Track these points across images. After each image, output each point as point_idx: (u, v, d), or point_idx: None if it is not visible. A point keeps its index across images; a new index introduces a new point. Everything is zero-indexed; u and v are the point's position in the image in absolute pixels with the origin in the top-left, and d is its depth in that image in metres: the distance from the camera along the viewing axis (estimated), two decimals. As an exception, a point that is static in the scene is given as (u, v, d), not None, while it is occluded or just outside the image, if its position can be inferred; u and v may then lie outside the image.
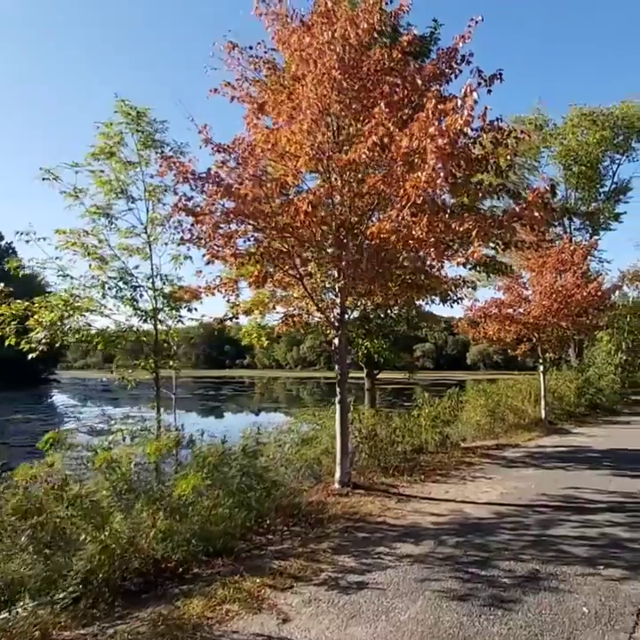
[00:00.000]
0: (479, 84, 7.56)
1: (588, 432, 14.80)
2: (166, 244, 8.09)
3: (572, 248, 16.31)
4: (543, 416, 15.88)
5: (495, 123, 7.65)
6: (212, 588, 4.32)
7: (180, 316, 8.21)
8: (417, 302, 10.01)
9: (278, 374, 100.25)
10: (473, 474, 9.00)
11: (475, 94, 5.89)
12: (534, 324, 15.54)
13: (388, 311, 11.78)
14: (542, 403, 16.02)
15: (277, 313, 8.55)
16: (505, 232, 5.90)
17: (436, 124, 5.74)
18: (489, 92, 7.62)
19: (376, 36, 7.55)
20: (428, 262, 6.09)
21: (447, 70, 7.48)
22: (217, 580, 4.47)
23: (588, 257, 18.37)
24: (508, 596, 4.18)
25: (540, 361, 16.43)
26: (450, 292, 9.34)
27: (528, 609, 3.97)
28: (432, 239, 5.60)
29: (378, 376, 13.58)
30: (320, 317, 7.95)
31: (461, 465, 9.78)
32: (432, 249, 5.57)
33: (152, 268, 8.06)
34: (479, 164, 7.33)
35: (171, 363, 8.20)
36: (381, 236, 5.87)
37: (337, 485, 7.47)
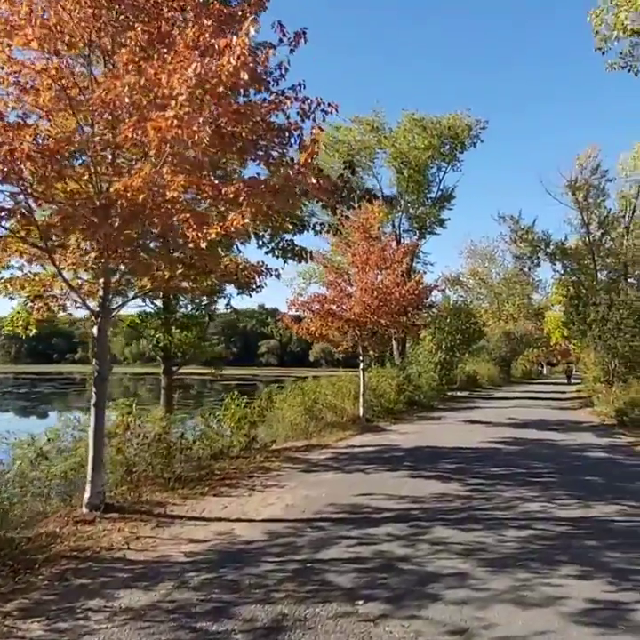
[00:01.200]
0: (280, 40, 6.68)
1: (402, 429, 14.95)
2: None
3: (394, 246, 16.45)
4: (361, 414, 15.77)
5: (297, 87, 6.84)
6: None
7: None
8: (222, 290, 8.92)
9: (114, 370, 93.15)
10: (267, 482, 8.09)
11: (252, 30, 4.88)
12: (355, 321, 15.36)
13: (196, 300, 10.51)
14: (361, 400, 15.91)
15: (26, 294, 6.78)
16: (283, 201, 4.97)
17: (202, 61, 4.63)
18: (291, 51, 6.79)
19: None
20: (191, 235, 4.90)
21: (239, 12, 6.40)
22: None
23: (411, 257, 18.94)
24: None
25: (361, 358, 16.34)
26: (254, 279, 8.37)
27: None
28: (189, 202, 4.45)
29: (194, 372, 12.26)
30: (77, 302, 6.40)
31: (258, 471, 8.85)
32: (188, 215, 4.42)
33: None
34: (279, 134, 6.42)
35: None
36: (128, 195, 4.58)
37: (85, 509, 5.99)
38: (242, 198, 4.49)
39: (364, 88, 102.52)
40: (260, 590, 4.21)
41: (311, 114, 7.14)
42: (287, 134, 6.59)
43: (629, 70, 11.40)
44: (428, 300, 18.24)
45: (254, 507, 6.68)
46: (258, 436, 11.53)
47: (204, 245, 4.54)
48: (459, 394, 29.78)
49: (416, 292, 15.59)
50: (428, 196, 25.40)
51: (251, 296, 9.53)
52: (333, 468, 9.25)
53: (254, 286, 8.58)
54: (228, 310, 10.98)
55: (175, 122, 4.13)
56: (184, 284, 6.80)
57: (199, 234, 4.29)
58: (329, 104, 7.21)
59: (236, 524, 5.96)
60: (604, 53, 11.38)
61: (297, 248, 7.50)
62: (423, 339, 28.29)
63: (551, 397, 28.71)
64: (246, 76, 4.78)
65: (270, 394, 12.54)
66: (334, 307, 15.57)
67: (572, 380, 42.91)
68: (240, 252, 9.85)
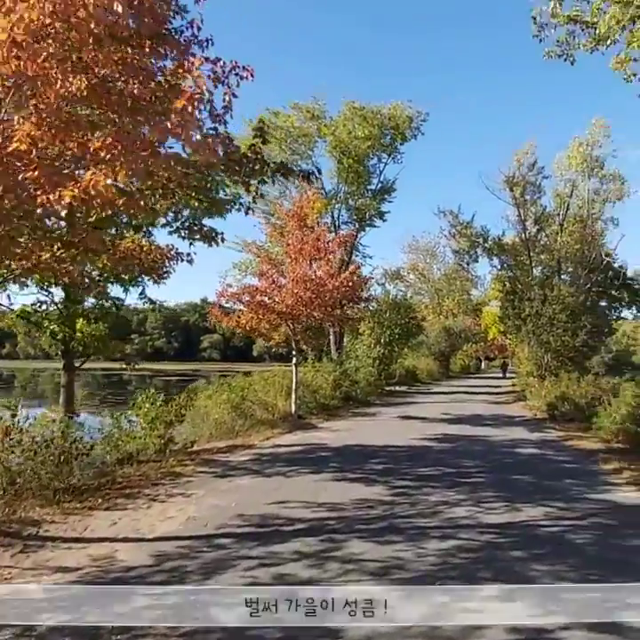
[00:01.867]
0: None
1: (334, 426, 14.38)
2: None
3: (328, 236, 15.83)
4: (293, 411, 15.10)
5: (205, 43, 6.10)
6: None
7: None
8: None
9: (46, 365, 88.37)
10: (173, 490, 7.26)
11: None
12: (288, 314, 14.66)
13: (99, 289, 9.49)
14: (293, 396, 15.23)
15: None
16: (165, 163, 4.15)
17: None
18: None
19: None
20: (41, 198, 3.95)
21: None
22: None
23: (350, 249, 18.45)
24: None
25: (294, 353, 15.67)
26: (161, 264, 7.48)
27: None
28: (39, 154, 3.57)
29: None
30: None
31: (167, 477, 7.99)
32: (35, 172, 3.53)
33: None
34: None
35: None
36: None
37: None
38: (110, 156, 3.65)
39: (308, 78, 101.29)
40: (123, 637, 3.42)
41: (225, 78, 6.41)
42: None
43: (566, 59, 11.19)
44: (366, 293, 17.74)
45: (150, 522, 5.85)
46: (175, 437, 10.66)
47: (63, 213, 3.68)
48: (397, 389, 29.67)
49: (350, 283, 15.03)
50: (369, 187, 24.99)
51: (160, 284, 8.56)
52: (252, 472, 8.50)
53: (162, 272, 7.71)
54: (143, 301, 9.98)
55: (14, 50, 3.24)
56: (69, 267, 5.82)
57: (50, 196, 3.43)
58: (245, 68, 6.46)
59: (120, 544, 5.12)
60: (541, 41, 11.13)
61: (205, 229, 6.68)
62: (362, 333, 27.95)
63: (487, 392, 29.07)
64: (120, 8, 3.91)
65: (190, 391, 11.63)
66: (266, 299, 14.82)
67: (508, 375, 43.96)
68: (150, 234, 8.96)
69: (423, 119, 23.84)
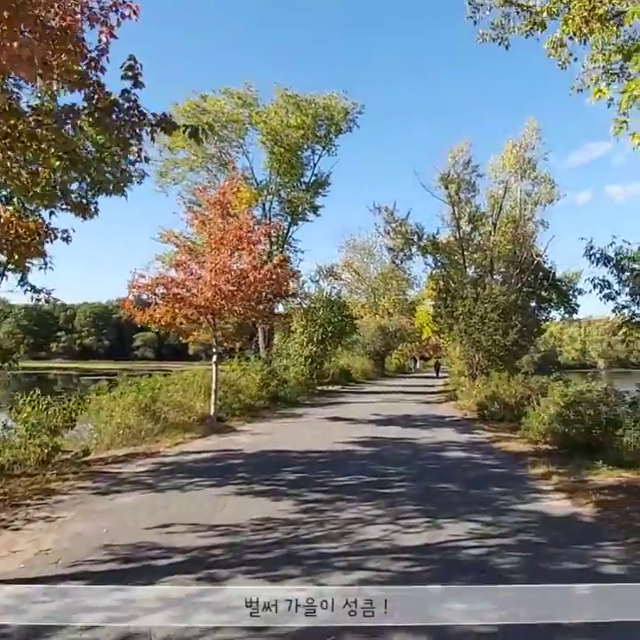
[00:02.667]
0: None
1: (255, 429, 13.36)
2: None
3: (252, 224, 14.76)
4: (212, 412, 13.94)
5: None
6: None
7: None
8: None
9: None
10: (36, 513, 6.02)
11: None
12: (207, 308, 13.50)
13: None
14: (213, 397, 14.06)
15: None
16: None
17: None
18: None
19: None
20: None
21: None
22: None
23: (276, 240, 17.47)
24: None
25: (214, 350, 14.51)
26: (29, 242, 6.20)
27: None
28: None
29: None
30: None
31: (36, 496, 6.71)
32: None
33: None
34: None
35: None
36: None
37: None
38: None
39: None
40: None
41: (103, 17, 5.36)
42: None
43: (500, 43, 10.67)
44: (294, 287, 16.79)
45: (-18, 559, 4.63)
46: (68, 445, 9.37)
47: None
48: (330, 388, 29.00)
49: (273, 276, 14.00)
50: (302, 180, 24.10)
51: (45, 269, 7.27)
52: (144, 486, 7.35)
53: (31, 251, 6.43)
54: (24, 289, 8.55)
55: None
56: None
57: None
58: (127, 4, 5.38)
59: None
60: (475, 23, 10.56)
61: (73, 196, 5.51)
62: (294, 331, 27.07)
63: (420, 391, 28.87)
64: None
65: (82, 393, 10.30)
66: (183, 291, 13.58)
67: (440, 374, 44.37)
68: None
69: (359, 111, 23.20)
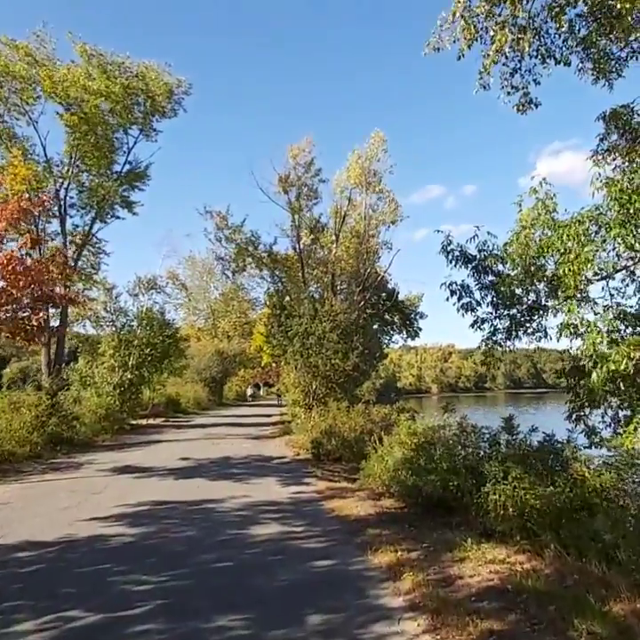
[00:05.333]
0: None
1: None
2: None
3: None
4: None
5: None
6: None
7: None
8: None
9: None
10: None
11: None
12: None
13: None
14: None
15: None
16: None
17: None
18: None
19: None
20: None
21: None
22: None
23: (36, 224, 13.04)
24: None
25: None
26: None
27: None
28: None
29: None
30: None
31: None
32: None
33: None
34: None
35: None
36: None
37: None
38: None
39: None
40: None
41: None
42: None
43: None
44: (74, 292, 12.42)
45: None
46: None
47: None
48: (149, 422, 24.40)
49: (31, 273, 9.67)
50: (113, 168, 19.70)
51: None
52: None
53: None
54: None
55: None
56: None
57: None
58: None
59: None
60: None
61: None
62: (103, 354, 22.16)
63: (255, 423, 25.47)
64: None
65: None
66: None
67: (283, 402, 41.53)
68: None
69: (186, 92, 19.59)
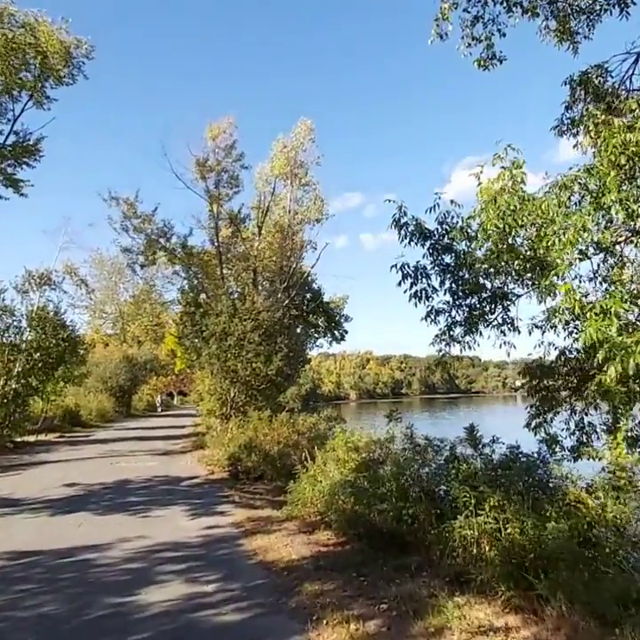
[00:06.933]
0: None
1: None
2: None
3: None
4: None
5: None
6: None
7: None
8: None
9: None
10: None
11: None
12: None
13: None
14: None
15: None
16: None
17: None
18: None
19: None
20: None
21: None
22: None
23: None
24: None
25: None
26: None
27: None
28: None
29: None
30: None
31: None
32: None
33: None
34: None
35: None
36: None
37: None
38: None
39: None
40: None
41: None
42: None
43: None
44: None
45: None
46: None
47: None
48: (40, 438, 21.12)
49: None
50: (-5, 138, 16.64)
51: None
52: None
53: None
54: None
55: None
56: None
57: None
58: None
59: None
60: None
61: None
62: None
63: (166, 436, 22.84)
64: None
65: None
66: None
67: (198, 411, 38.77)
68: None
69: (87, 55, 16.91)
